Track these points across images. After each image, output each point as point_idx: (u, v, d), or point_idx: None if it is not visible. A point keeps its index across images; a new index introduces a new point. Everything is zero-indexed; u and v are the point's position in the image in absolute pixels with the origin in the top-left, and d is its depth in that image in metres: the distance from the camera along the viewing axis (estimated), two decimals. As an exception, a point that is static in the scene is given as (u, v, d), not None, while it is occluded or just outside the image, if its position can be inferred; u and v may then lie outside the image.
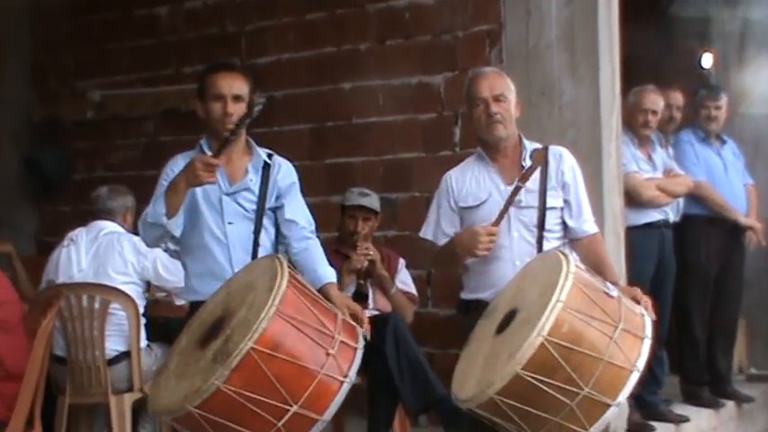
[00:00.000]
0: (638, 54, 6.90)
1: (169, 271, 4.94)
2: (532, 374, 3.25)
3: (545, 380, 3.26)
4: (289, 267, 3.55)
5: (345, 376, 3.44)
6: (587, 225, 4.00)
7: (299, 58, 6.70)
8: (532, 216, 3.92)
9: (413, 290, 5.49)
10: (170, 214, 3.80)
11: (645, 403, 5.60)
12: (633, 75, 5.99)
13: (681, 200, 6.00)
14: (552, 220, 3.95)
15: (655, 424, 5.57)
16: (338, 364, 3.43)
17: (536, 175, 3.93)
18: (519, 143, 4.03)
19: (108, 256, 5.02)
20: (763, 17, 7.52)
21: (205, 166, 3.70)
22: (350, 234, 5.32)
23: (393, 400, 4.83)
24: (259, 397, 3.29)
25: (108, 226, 5.18)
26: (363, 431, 4.93)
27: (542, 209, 3.92)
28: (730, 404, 6.34)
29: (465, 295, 4.05)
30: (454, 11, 6.05)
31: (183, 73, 7.21)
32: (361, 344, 3.57)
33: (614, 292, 3.56)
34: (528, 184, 3.92)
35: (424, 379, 4.76)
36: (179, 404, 3.34)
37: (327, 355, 3.41)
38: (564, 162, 4.00)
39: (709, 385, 6.28)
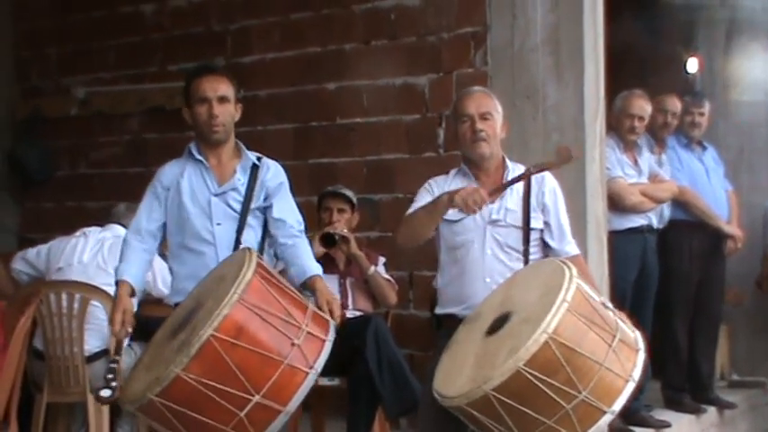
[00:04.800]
0: (624, 45, 6.91)
1: (166, 284, 4.90)
2: (534, 372, 3.20)
3: (545, 379, 3.22)
4: (259, 259, 3.53)
5: (311, 367, 3.39)
6: (569, 247, 4.00)
7: (284, 58, 6.68)
8: (508, 236, 3.91)
9: (391, 280, 5.47)
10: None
11: (626, 409, 5.53)
12: (619, 66, 5.98)
13: (665, 206, 6.00)
14: (532, 241, 3.94)
15: (636, 429, 5.57)
16: (304, 355, 3.38)
17: (518, 195, 3.94)
18: (502, 163, 4.03)
19: (111, 254, 5.03)
20: (752, 3, 7.51)
21: None
22: (326, 226, 5.30)
23: (373, 402, 4.82)
24: (220, 385, 3.26)
25: (120, 231, 5.17)
26: (343, 433, 4.93)
27: (526, 229, 3.91)
28: (712, 410, 6.34)
29: (438, 310, 4.05)
30: (439, 12, 6.04)
31: (168, 71, 7.18)
32: (331, 336, 3.51)
33: (609, 304, 3.57)
34: (509, 204, 3.92)
35: (404, 381, 4.76)
36: (141, 393, 3.32)
37: (292, 345, 3.36)
38: (545, 184, 4.00)
39: (690, 391, 6.28)
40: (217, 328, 3.25)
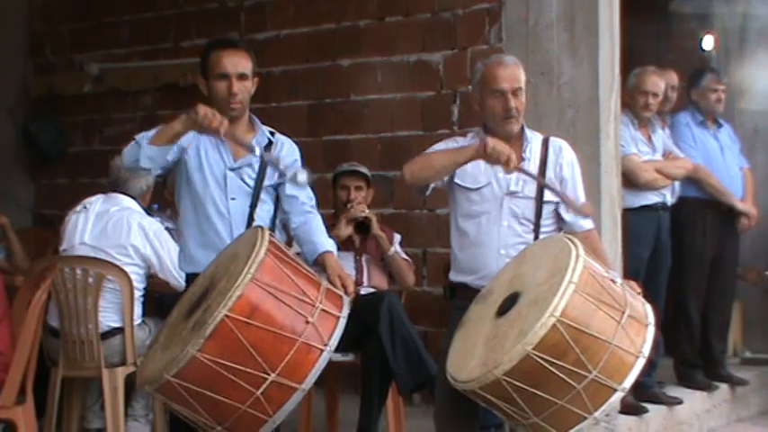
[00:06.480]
0: (637, 49, 6.88)
1: (175, 266, 4.81)
2: (543, 355, 3.21)
3: (555, 361, 3.22)
4: (272, 237, 3.53)
5: (325, 345, 3.39)
6: (585, 221, 3.96)
7: (298, 34, 6.67)
8: (525, 208, 3.89)
9: (409, 260, 5.49)
10: (151, 142, 3.76)
11: (638, 385, 5.56)
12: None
13: (677, 182, 5.98)
14: (546, 213, 3.92)
15: (648, 405, 5.57)
16: (318, 333, 3.38)
17: (536, 167, 3.91)
18: (521, 133, 3.98)
19: (113, 234, 5.00)
20: (763, 13, 7.47)
21: (211, 113, 3.61)
22: (344, 205, 5.31)
23: (387, 377, 4.84)
24: (236, 365, 3.27)
25: (124, 201, 5.14)
26: (357, 409, 4.95)
27: (539, 201, 3.90)
28: (724, 387, 6.34)
29: (452, 277, 4.04)
30: (454, -12, 6.03)
31: (182, 47, 7.19)
32: (345, 313, 3.52)
33: (618, 279, 3.55)
34: (525, 175, 3.89)
35: (418, 358, 4.77)
36: (158, 374, 3.33)
37: (307, 323, 3.37)
38: (563, 156, 3.97)
39: (703, 368, 6.28)
40: (231, 308, 3.25)
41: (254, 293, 3.31)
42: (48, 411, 4.88)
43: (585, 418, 3.34)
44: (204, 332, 3.24)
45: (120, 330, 4.93)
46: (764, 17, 7.42)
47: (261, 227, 3.64)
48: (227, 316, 3.25)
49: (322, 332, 3.40)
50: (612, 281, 3.50)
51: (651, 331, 3.44)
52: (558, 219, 3.94)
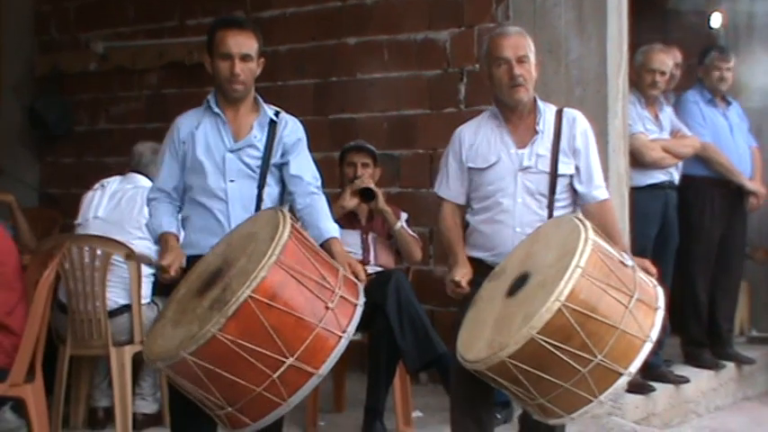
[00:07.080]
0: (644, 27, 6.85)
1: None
2: (547, 339, 3.21)
3: (560, 345, 3.23)
4: (291, 219, 3.52)
5: (344, 332, 3.38)
6: (598, 191, 3.94)
7: (304, 12, 6.65)
8: (539, 183, 3.87)
9: (416, 236, 5.48)
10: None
11: (645, 364, 5.54)
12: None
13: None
14: (561, 187, 3.91)
15: (655, 384, 5.58)
16: (337, 319, 3.37)
17: (549, 140, 3.90)
18: (534, 106, 3.97)
19: (126, 209, 5.03)
20: (758, 11, 7.43)
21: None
22: (350, 182, 5.29)
23: (394, 356, 4.85)
24: (255, 347, 3.25)
25: (141, 181, 5.16)
26: (364, 387, 4.96)
27: (554, 175, 3.88)
28: (731, 366, 6.35)
29: (467, 251, 4.02)
30: (461, -34, 6.00)
31: (187, 25, 7.17)
32: (362, 300, 3.51)
33: (629, 262, 3.52)
34: (540, 150, 3.89)
35: (425, 336, 4.77)
36: (174, 350, 3.30)
37: (327, 308, 3.36)
38: (577, 127, 3.94)
39: (710, 347, 6.29)
40: (255, 288, 3.23)
41: (277, 276, 3.29)
42: (56, 389, 4.89)
43: (591, 401, 3.35)
44: (226, 312, 3.21)
45: (127, 308, 4.94)
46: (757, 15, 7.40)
47: (280, 208, 3.63)
48: (250, 297, 3.23)
49: (341, 319, 3.39)
50: (623, 263, 3.48)
51: (660, 315, 3.43)
52: (573, 192, 3.93)
